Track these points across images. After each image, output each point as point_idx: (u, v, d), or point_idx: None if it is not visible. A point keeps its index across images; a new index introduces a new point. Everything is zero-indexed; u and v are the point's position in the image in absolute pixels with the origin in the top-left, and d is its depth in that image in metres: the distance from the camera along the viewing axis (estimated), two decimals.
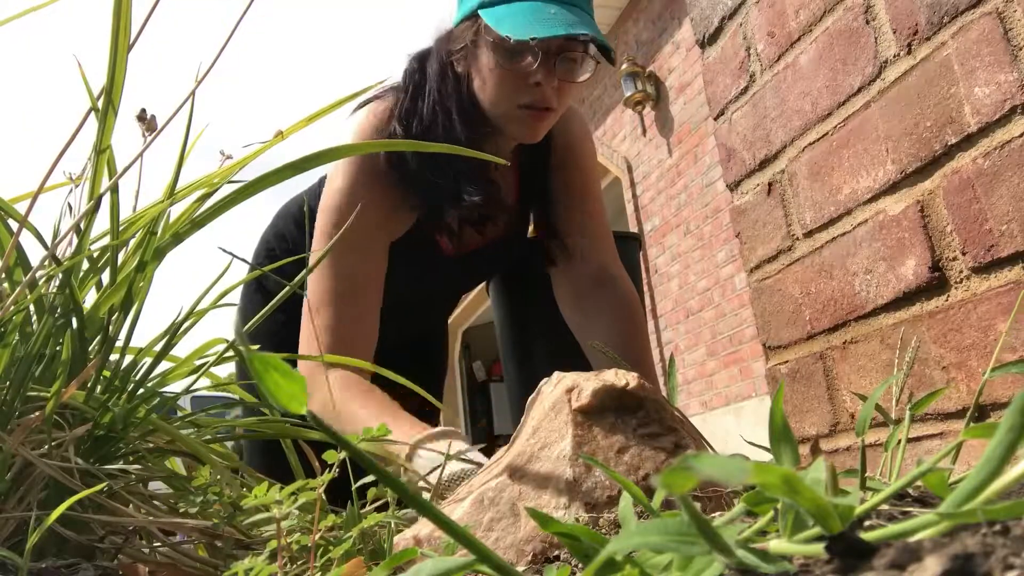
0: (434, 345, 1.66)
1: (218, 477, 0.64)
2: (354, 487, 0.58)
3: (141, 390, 0.70)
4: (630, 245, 1.65)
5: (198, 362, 0.80)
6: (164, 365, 0.77)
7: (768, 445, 0.35)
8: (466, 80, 1.19)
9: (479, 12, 1.13)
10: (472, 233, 1.28)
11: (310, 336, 1.10)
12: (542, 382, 0.62)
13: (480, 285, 1.59)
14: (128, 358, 0.71)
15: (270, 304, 0.82)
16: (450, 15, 1.23)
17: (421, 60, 1.24)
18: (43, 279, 0.65)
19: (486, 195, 1.19)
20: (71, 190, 0.70)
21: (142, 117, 0.68)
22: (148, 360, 0.72)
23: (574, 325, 1.34)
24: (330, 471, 0.53)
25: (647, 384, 0.57)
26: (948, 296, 0.67)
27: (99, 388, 0.66)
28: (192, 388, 0.79)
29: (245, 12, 0.80)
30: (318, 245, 1.17)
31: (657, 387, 1.24)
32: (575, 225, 1.37)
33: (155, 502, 0.64)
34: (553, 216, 1.38)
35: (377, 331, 1.16)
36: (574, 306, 1.34)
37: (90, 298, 0.70)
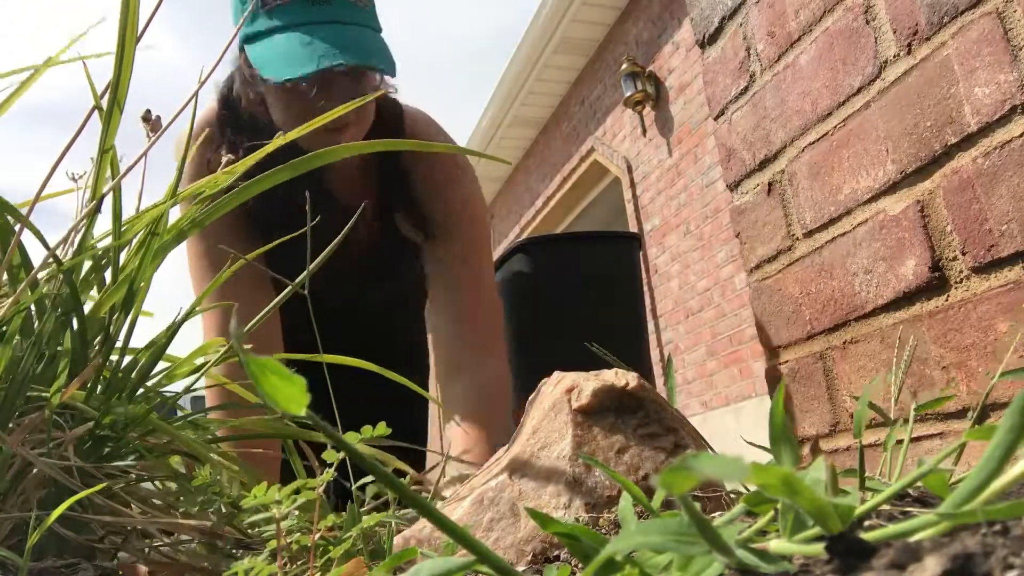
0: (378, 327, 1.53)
1: (218, 477, 0.64)
2: (354, 487, 0.58)
3: (141, 390, 0.70)
4: (629, 245, 1.65)
5: (198, 362, 0.80)
6: (164, 365, 0.77)
7: (768, 445, 0.35)
8: (265, 105, 1.21)
9: (244, 48, 1.13)
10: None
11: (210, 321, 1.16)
12: (542, 382, 0.62)
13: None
14: (128, 358, 0.71)
15: (271, 304, 0.82)
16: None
17: (229, 85, 1.26)
18: (45, 279, 0.65)
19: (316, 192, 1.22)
20: (80, 191, 0.70)
21: (147, 118, 0.68)
22: (148, 360, 0.72)
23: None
24: (329, 471, 0.53)
25: (647, 384, 0.57)
26: (948, 296, 0.67)
27: (99, 388, 0.66)
28: (192, 388, 0.79)
29: (247, 14, 0.80)
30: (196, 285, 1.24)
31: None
32: (448, 273, 1.33)
33: (155, 501, 0.64)
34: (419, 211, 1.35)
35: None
36: (439, 382, 1.31)
37: (91, 301, 0.70)
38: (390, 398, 1.26)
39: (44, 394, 0.61)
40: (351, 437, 0.55)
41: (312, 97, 1.11)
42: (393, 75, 1.15)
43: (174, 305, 0.78)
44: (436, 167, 1.34)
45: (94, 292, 0.69)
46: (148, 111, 0.68)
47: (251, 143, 1.17)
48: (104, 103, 0.63)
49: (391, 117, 1.32)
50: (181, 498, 0.65)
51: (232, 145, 1.20)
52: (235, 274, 0.99)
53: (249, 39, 1.12)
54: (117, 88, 0.62)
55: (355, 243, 1.31)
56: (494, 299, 1.34)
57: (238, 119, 1.23)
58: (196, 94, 0.68)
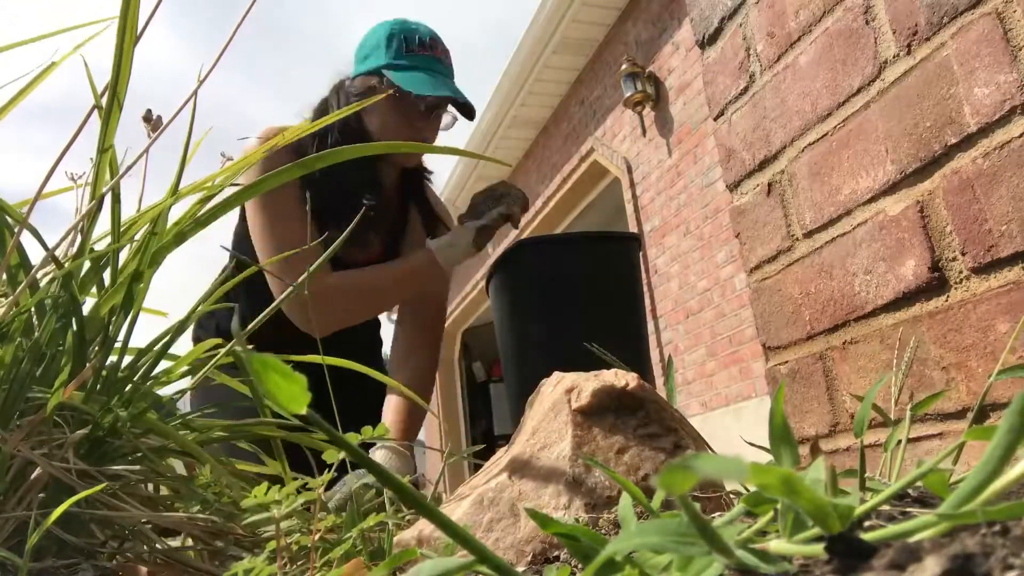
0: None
1: (218, 477, 0.64)
2: (353, 488, 0.58)
3: (140, 390, 0.70)
4: (629, 246, 1.65)
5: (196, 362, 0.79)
6: (163, 365, 0.77)
7: (768, 445, 0.35)
8: (362, 119, 1.54)
9: (383, 71, 1.51)
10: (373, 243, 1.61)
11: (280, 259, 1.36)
12: (542, 382, 0.62)
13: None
14: (128, 358, 0.71)
15: (270, 307, 0.82)
16: (347, 68, 1.60)
17: (325, 101, 1.60)
18: (44, 279, 0.65)
19: (378, 196, 1.53)
20: (80, 188, 0.70)
21: (147, 118, 0.68)
22: (148, 361, 0.72)
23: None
24: (329, 471, 0.53)
25: (647, 385, 0.57)
26: (948, 296, 0.67)
27: (98, 388, 0.66)
28: (190, 389, 0.79)
29: (247, 12, 0.80)
30: (262, 244, 1.45)
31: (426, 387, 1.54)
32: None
33: (155, 501, 0.64)
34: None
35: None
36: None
37: (91, 298, 0.70)
38: (371, 402, 1.58)
39: (44, 395, 0.61)
40: (352, 438, 0.55)
41: (424, 114, 1.53)
42: (471, 119, 1.59)
43: (174, 305, 0.78)
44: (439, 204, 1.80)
45: (95, 290, 0.69)
46: (149, 111, 0.68)
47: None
48: (104, 102, 0.63)
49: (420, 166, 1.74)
50: (179, 495, 0.65)
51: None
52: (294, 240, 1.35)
53: (389, 67, 1.52)
54: (116, 87, 0.62)
55: (369, 250, 1.61)
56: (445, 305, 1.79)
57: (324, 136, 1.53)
58: (195, 93, 0.68)
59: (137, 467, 0.66)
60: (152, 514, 0.59)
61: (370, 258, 1.62)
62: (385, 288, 1.52)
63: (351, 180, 1.50)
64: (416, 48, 1.53)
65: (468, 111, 1.57)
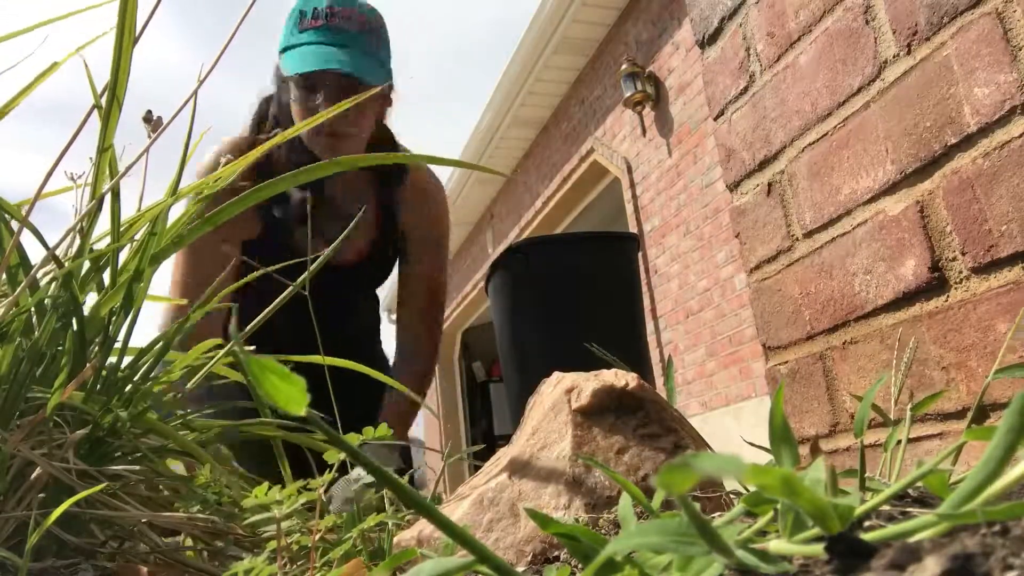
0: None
1: (218, 478, 0.64)
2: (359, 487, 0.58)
3: (140, 390, 0.70)
4: (628, 245, 1.65)
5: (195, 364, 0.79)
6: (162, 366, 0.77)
7: (768, 445, 0.35)
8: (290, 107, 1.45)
9: (280, 55, 1.41)
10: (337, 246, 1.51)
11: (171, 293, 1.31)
12: (542, 383, 0.62)
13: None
14: (127, 359, 0.71)
15: (271, 306, 0.82)
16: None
17: (266, 100, 1.53)
18: (44, 279, 0.65)
19: (306, 197, 1.43)
20: (80, 188, 0.70)
21: (148, 118, 0.68)
22: (148, 360, 0.72)
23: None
24: (330, 471, 0.53)
25: (647, 385, 0.57)
26: (948, 296, 0.67)
27: (98, 388, 0.66)
28: (190, 389, 0.79)
29: (247, 12, 0.80)
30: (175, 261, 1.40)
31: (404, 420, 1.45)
32: (413, 286, 1.69)
33: (155, 501, 0.64)
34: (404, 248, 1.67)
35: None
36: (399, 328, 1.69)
37: (91, 297, 0.70)
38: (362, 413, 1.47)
39: (44, 395, 0.61)
40: (352, 439, 0.55)
41: (315, 97, 1.38)
42: (382, 88, 1.41)
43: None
44: (419, 189, 1.66)
45: (95, 289, 0.69)
46: (149, 111, 0.68)
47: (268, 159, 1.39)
48: (103, 102, 0.63)
49: (390, 146, 1.61)
50: (179, 494, 0.65)
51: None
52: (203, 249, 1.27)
53: (284, 50, 1.42)
54: (115, 87, 0.62)
55: (350, 249, 1.54)
56: (444, 294, 1.73)
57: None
58: (195, 93, 0.68)
59: (137, 467, 0.66)
60: (152, 514, 0.59)
61: (351, 258, 1.56)
62: None
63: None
64: (309, 22, 1.41)
65: (370, 82, 1.41)
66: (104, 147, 0.63)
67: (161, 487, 0.67)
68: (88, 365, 0.60)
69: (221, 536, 0.60)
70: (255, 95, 1.57)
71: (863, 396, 0.65)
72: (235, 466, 0.77)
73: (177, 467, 0.73)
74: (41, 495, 0.55)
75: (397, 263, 1.71)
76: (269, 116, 1.52)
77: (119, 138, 0.65)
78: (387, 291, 3.06)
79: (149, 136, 0.67)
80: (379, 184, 1.62)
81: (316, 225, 1.40)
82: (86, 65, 0.65)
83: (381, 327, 1.91)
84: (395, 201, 1.63)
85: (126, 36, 0.61)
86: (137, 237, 0.70)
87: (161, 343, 0.72)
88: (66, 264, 0.63)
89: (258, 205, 1.29)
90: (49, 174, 0.61)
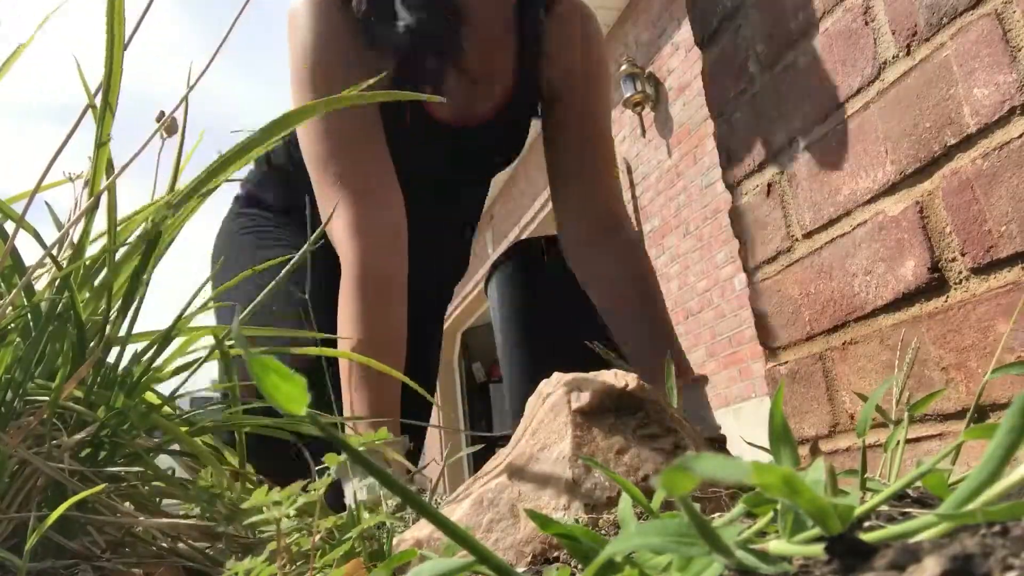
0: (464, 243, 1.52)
1: (220, 480, 0.64)
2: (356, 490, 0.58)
3: (139, 387, 0.70)
4: None
5: (189, 357, 0.79)
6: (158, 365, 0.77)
7: (768, 446, 0.35)
8: None
9: None
10: (468, 96, 1.18)
11: (324, 203, 1.01)
12: (541, 383, 0.62)
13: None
14: (127, 359, 0.71)
15: (264, 297, 0.80)
16: None
17: None
18: (42, 279, 0.65)
19: (444, 23, 1.10)
20: (81, 187, 0.70)
21: (159, 119, 0.68)
22: (149, 357, 0.72)
23: (584, 280, 1.24)
24: (328, 475, 0.53)
25: (646, 385, 0.57)
26: (947, 297, 0.67)
27: (98, 385, 0.66)
28: (185, 387, 0.79)
29: (243, 9, 0.80)
30: (302, 102, 1.05)
31: (681, 351, 1.24)
32: (575, 132, 1.27)
33: (154, 501, 0.64)
34: (550, 93, 1.28)
35: (393, 168, 1.05)
36: (580, 258, 1.25)
37: (91, 296, 0.70)
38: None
39: (43, 397, 0.61)
40: (354, 440, 0.55)
41: None
42: None
43: (175, 301, 0.78)
44: (575, 23, 1.28)
45: (94, 288, 0.69)
46: (162, 112, 0.68)
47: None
48: (99, 100, 0.63)
49: None
50: (179, 496, 0.65)
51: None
52: (356, 134, 0.99)
53: None
54: (109, 85, 0.62)
55: (487, 96, 1.22)
56: (613, 154, 1.31)
57: None
58: (190, 92, 0.68)
59: (136, 468, 0.66)
60: (152, 522, 0.59)
61: (478, 113, 1.23)
62: (345, 329, 0.97)
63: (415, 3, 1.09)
64: None
65: None
66: (101, 142, 0.63)
67: (160, 488, 0.67)
68: (87, 361, 0.60)
69: (221, 537, 0.60)
70: None
71: (866, 396, 0.65)
72: (235, 465, 0.77)
73: (176, 467, 0.73)
74: (41, 495, 0.55)
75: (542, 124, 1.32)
76: None
77: (126, 137, 0.65)
78: None
79: (161, 136, 0.67)
80: (516, 22, 1.24)
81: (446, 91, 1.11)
82: (78, 65, 0.65)
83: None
84: (538, 29, 1.25)
85: (116, 32, 0.61)
86: (137, 235, 0.70)
87: (160, 342, 0.72)
88: (64, 264, 0.62)
89: (377, 36, 1.07)
90: (46, 172, 0.61)
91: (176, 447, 0.71)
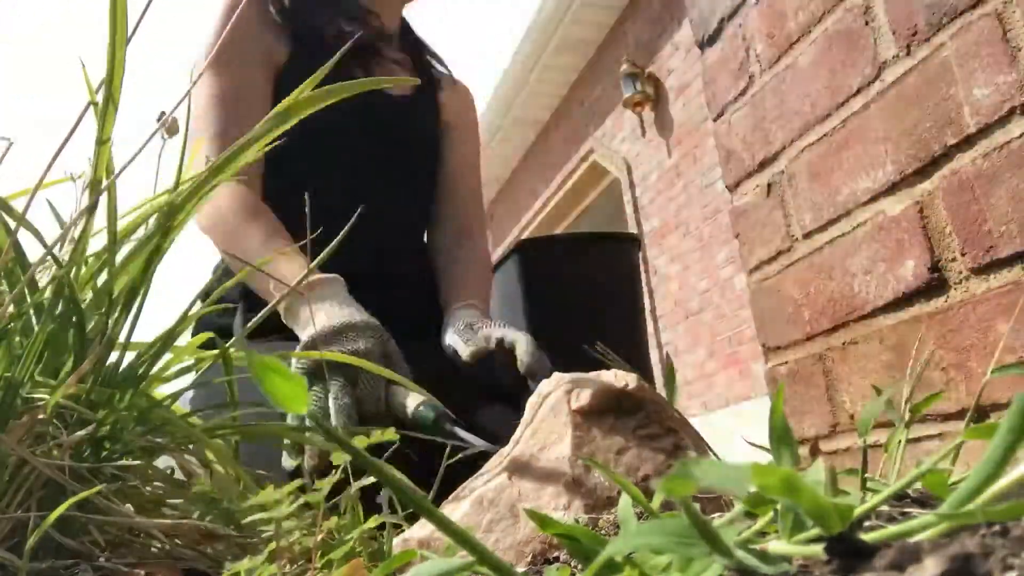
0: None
1: (221, 478, 0.64)
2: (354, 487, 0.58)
3: (141, 386, 0.70)
4: (629, 246, 1.65)
5: (189, 361, 0.79)
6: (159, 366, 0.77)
7: (768, 446, 0.35)
8: None
9: None
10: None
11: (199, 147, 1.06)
12: (541, 383, 0.62)
13: None
14: (127, 359, 0.71)
15: (266, 308, 0.81)
16: None
17: None
18: (41, 278, 0.65)
19: (365, 25, 1.21)
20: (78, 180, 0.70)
21: (160, 119, 0.68)
22: (151, 355, 0.72)
23: (441, 272, 1.33)
24: (335, 474, 0.53)
25: (646, 385, 0.57)
26: (947, 297, 0.67)
27: (99, 383, 0.66)
28: (187, 387, 0.79)
29: (240, 8, 0.80)
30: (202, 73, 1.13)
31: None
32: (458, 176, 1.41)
33: (155, 501, 0.64)
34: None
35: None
36: (443, 254, 1.35)
37: (90, 295, 0.70)
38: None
39: (44, 397, 0.61)
40: (359, 442, 0.55)
41: None
42: None
43: (175, 300, 0.78)
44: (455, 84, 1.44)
45: (95, 286, 0.69)
46: (163, 112, 0.68)
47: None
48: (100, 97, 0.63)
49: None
50: (180, 495, 0.65)
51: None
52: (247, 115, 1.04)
53: None
54: (112, 81, 0.62)
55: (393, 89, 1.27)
56: (481, 195, 1.48)
57: None
58: (189, 92, 0.68)
59: (138, 462, 0.66)
60: (151, 520, 0.59)
61: (398, 93, 1.28)
62: (244, 253, 0.99)
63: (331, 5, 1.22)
64: None
65: None
66: (103, 139, 0.63)
67: (160, 488, 0.67)
68: (88, 359, 0.60)
69: (221, 537, 0.60)
70: None
71: (865, 396, 0.65)
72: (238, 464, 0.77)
73: (174, 466, 0.73)
74: (41, 493, 0.55)
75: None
76: None
77: (129, 136, 0.65)
78: None
79: (162, 136, 0.67)
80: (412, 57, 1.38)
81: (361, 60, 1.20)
82: (83, 65, 0.65)
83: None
84: (434, 79, 1.38)
85: (119, 28, 0.61)
86: (137, 235, 0.70)
87: (162, 341, 0.72)
88: (65, 263, 0.63)
89: (290, 21, 1.16)
90: (47, 169, 0.61)
91: (176, 447, 0.71)
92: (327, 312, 0.89)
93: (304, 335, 0.89)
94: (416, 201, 1.36)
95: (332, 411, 0.82)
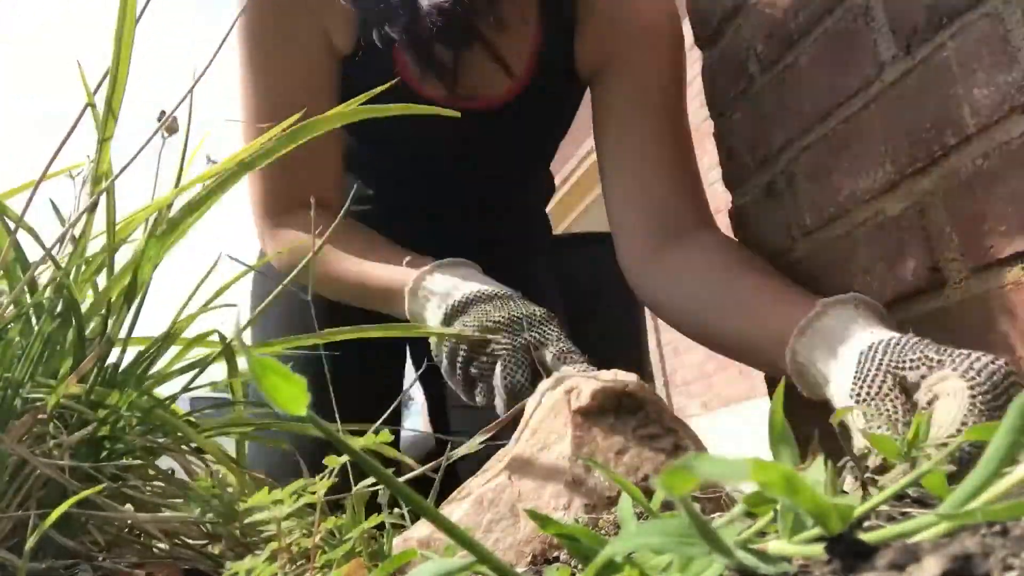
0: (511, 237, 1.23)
1: (220, 476, 0.64)
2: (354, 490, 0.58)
3: (142, 385, 0.70)
4: None
5: (192, 359, 0.79)
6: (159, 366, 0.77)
7: (768, 446, 0.35)
8: None
9: None
10: (473, 76, 0.96)
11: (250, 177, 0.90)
12: (541, 383, 0.62)
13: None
14: (127, 359, 0.71)
15: (273, 293, 0.79)
16: None
17: None
18: (41, 278, 0.65)
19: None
20: (81, 184, 0.70)
21: (160, 118, 0.68)
22: (150, 357, 0.72)
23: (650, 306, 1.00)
24: (330, 477, 0.53)
25: (646, 385, 0.57)
26: (947, 297, 0.67)
27: (100, 383, 0.66)
28: (190, 387, 0.79)
29: (242, 10, 0.80)
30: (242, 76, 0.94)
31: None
32: (625, 112, 1.02)
33: (155, 501, 0.64)
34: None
35: (338, 150, 0.95)
36: (639, 283, 0.99)
37: (90, 294, 0.70)
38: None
39: (44, 397, 0.61)
40: (365, 440, 0.55)
41: None
42: None
43: (173, 299, 0.78)
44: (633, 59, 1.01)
45: (96, 285, 0.69)
46: (163, 111, 0.68)
47: None
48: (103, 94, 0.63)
49: None
50: (180, 495, 0.65)
51: None
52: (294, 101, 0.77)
53: None
54: (116, 80, 0.62)
55: (497, 82, 0.99)
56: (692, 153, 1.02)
57: None
58: (191, 91, 0.68)
59: (138, 462, 0.66)
60: (151, 519, 0.59)
61: (499, 96, 1.00)
62: (347, 285, 0.89)
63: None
64: None
65: None
66: (104, 137, 0.63)
67: (161, 488, 0.67)
68: (88, 357, 0.60)
69: (221, 537, 0.60)
70: None
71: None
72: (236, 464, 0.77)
73: (176, 467, 0.73)
74: (41, 493, 0.55)
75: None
76: None
77: (132, 136, 0.64)
78: None
79: (162, 136, 0.67)
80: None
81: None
82: (79, 66, 0.65)
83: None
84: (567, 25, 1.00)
85: (127, 26, 0.61)
86: (138, 234, 0.70)
87: (163, 341, 0.72)
88: (63, 264, 0.63)
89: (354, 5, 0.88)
90: (46, 169, 0.61)
91: (175, 447, 0.71)
92: (475, 281, 0.80)
93: (447, 302, 0.78)
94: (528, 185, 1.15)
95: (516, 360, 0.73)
